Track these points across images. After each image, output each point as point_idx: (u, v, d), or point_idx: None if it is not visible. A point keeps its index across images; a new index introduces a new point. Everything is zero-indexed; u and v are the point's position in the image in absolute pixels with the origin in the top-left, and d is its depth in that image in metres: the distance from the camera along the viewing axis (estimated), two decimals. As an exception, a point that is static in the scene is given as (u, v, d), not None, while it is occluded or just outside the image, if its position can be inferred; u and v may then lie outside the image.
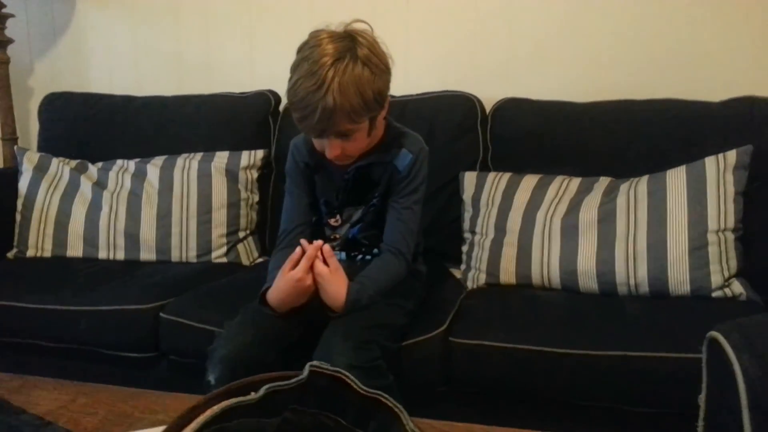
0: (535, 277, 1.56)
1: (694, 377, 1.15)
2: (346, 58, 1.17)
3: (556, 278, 1.53)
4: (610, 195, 1.56)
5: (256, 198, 1.94)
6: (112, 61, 2.32)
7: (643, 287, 1.45)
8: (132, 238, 1.81)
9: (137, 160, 1.93)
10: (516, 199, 1.66)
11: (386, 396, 0.54)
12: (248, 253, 1.89)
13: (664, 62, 1.89)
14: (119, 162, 1.93)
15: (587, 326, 1.31)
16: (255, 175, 1.93)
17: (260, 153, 1.93)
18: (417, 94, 1.93)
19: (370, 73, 1.19)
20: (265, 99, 2.02)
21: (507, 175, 1.73)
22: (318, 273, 1.22)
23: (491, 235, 1.66)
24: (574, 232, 1.54)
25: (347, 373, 0.54)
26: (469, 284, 1.65)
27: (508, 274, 1.59)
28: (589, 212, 1.55)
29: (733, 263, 1.42)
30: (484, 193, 1.73)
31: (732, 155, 1.49)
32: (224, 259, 1.84)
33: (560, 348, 1.24)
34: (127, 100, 2.06)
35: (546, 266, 1.54)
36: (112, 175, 1.90)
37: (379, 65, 1.22)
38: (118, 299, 1.49)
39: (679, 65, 1.88)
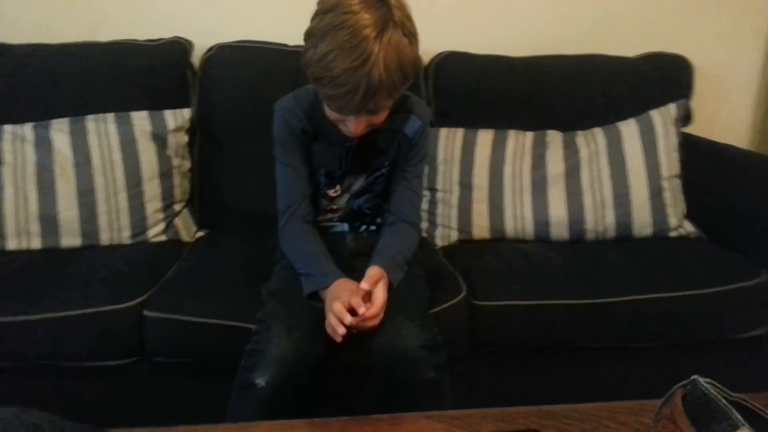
0: (509, 231, 1.62)
1: (692, 311, 1.33)
2: (389, 29, 1.05)
3: (530, 230, 1.61)
4: (571, 148, 1.66)
5: (188, 165, 1.72)
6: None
7: (610, 232, 1.60)
8: (49, 221, 1.50)
9: (31, 125, 1.57)
10: (477, 155, 1.69)
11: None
12: (186, 227, 1.68)
13: (578, 18, 2.02)
14: (8, 128, 1.56)
15: (590, 276, 1.41)
16: (185, 138, 1.70)
17: (186, 112, 1.70)
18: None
19: (408, 42, 1.09)
20: (181, 48, 1.76)
21: (461, 131, 1.75)
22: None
23: (456, 192, 1.67)
24: (543, 186, 1.62)
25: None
26: (439, 242, 1.67)
27: (481, 229, 1.64)
28: (555, 166, 1.64)
29: (682, 206, 1.62)
30: (440, 149, 1.73)
31: (673, 108, 1.68)
32: (163, 237, 1.62)
33: (579, 299, 1.33)
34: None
35: (520, 219, 1.61)
36: (5, 146, 1.53)
37: (413, 30, 1.12)
38: (85, 300, 1.24)
39: (594, 21, 2.02)
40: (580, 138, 1.68)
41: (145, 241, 1.58)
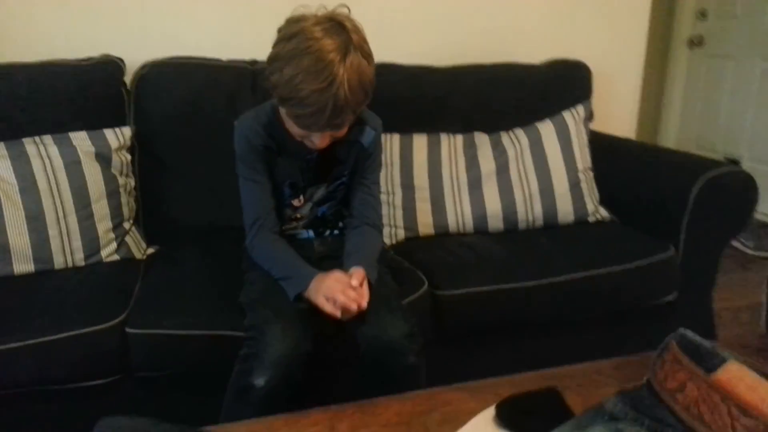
0: (452, 225, 1.77)
1: (619, 285, 1.54)
2: (350, 52, 1.15)
3: (469, 223, 1.77)
4: (498, 148, 1.84)
5: (132, 183, 1.72)
6: None
7: (539, 221, 1.79)
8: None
9: (-36, 151, 1.52)
10: (415, 158, 1.83)
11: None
12: (137, 245, 1.68)
13: (488, 30, 2.21)
14: (-60, 156, 1.50)
15: (531, 261, 1.58)
16: (128, 157, 1.70)
17: (127, 130, 1.70)
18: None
19: (367, 63, 1.20)
20: (114, 66, 1.76)
21: (397, 136, 1.87)
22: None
23: (399, 193, 1.80)
24: (478, 183, 1.79)
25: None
26: (387, 240, 1.78)
27: (425, 226, 1.77)
28: (486, 165, 1.81)
29: (596, 194, 1.84)
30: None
31: (581, 109, 1.90)
32: (116, 256, 1.61)
33: (525, 282, 1.50)
34: None
35: (460, 215, 1.77)
36: (-59, 174, 1.47)
37: (369, 52, 1.22)
38: (67, 323, 1.24)
39: (502, 32, 2.22)
40: (505, 138, 1.86)
41: (99, 261, 1.58)
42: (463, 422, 0.76)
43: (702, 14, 3.52)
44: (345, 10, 1.23)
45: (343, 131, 1.28)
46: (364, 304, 1.19)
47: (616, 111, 2.47)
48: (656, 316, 1.66)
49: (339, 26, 1.17)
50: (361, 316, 1.21)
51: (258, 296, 1.28)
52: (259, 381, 1.14)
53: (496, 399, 0.80)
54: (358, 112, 1.25)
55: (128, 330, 1.27)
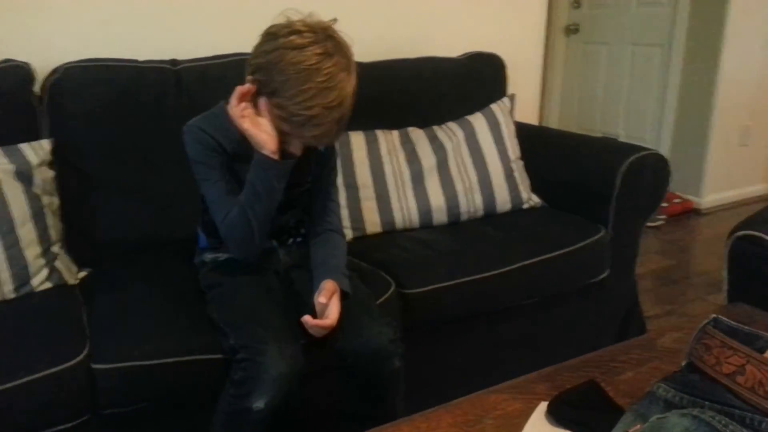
0: (398, 222, 1.79)
1: (562, 266, 1.65)
2: (351, 67, 1.17)
3: (415, 218, 1.80)
4: (436, 143, 1.88)
5: (57, 202, 1.57)
6: None
7: (479, 211, 1.86)
8: None
9: None
10: (355, 156, 1.82)
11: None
12: (68, 269, 1.54)
13: (404, 24, 2.24)
14: None
15: (482, 251, 1.65)
16: (51, 173, 1.55)
17: (46, 144, 1.55)
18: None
19: (353, 72, 1.20)
20: (22, 72, 1.59)
21: (333, 135, 1.85)
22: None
23: (342, 192, 1.79)
24: (420, 178, 1.82)
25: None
26: (334, 242, 1.77)
27: (372, 224, 1.78)
28: (427, 159, 1.84)
29: (528, 182, 1.94)
30: (317, 154, 1.82)
31: (507, 101, 1.99)
32: (48, 284, 1.46)
33: (484, 273, 1.56)
34: None
35: (406, 211, 1.79)
36: None
37: (352, 58, 1.21)
38: (28, 366, 1.11)
39: (417, 27, 2.26)
40: (441, 133, 1.91)
41: (31, 292, 1.43)
42: (516, 424, 0.79)
43: (576, 3, 3.79)
44: (320, 18, 1.20)
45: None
46: (331, 324, 1.18)
47: (520, 99, 2.59)
48: (593, 292, 1.79)
49: (330, 38, 1.15)
50: (336, 328, 1.20)
51: (242, 314, 1.23)
52: (259, 404, 1.10)
53: (537, 397, 0.84)
54: None
55: (94, 366, 1.17)
